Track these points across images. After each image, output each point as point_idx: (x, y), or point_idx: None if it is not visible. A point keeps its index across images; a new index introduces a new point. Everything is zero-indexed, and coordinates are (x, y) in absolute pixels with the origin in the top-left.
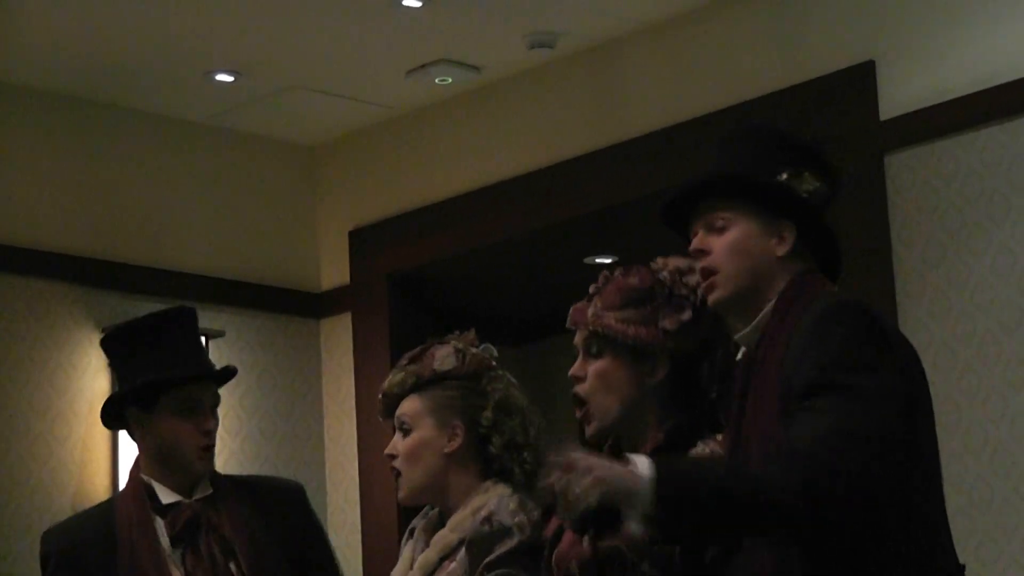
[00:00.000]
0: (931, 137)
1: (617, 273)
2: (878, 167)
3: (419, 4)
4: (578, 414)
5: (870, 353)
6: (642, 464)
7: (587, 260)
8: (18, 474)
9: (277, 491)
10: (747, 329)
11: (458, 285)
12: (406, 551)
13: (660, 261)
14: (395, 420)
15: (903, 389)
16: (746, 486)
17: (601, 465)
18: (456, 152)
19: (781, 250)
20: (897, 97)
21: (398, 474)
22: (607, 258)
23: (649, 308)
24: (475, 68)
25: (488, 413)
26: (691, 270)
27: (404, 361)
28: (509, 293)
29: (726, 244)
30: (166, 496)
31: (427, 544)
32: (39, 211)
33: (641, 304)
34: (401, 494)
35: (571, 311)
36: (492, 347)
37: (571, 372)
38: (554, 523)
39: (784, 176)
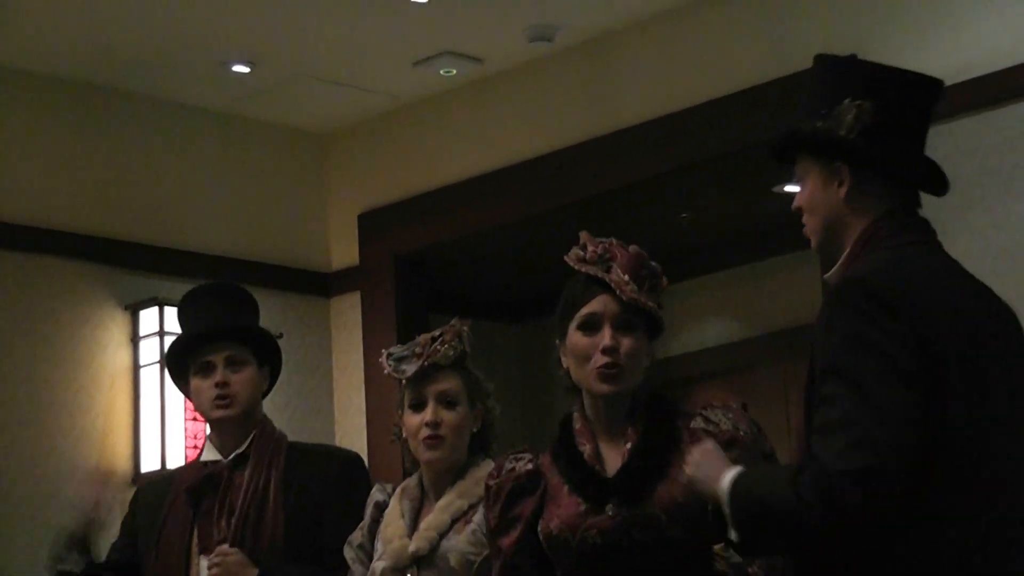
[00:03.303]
0: None
1: (631, 248)
2: None
3: None
4: (606, 386)
5: (870, 332)
6: (725, 481)
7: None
8: (44, 443)
9: (318, 461)
10: (829, 273)
11: (462, 266)
12: (395, 520)
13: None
14: (434, 392)
15: (912, 359)
16: (791, 518)
17: (700, 464)
18: (460, 140)
19: (844, 192)
20: None
21: (439, 442)
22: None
23: (651, 290)
24: (477, 60)
25: (494, 402)
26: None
27: (449, 336)
28: (510, 273)
29: (803, 201)
30: (208, 454)
31: (417, 510)
32: (64, 195)
33: (644, 284)
34: (439, 463)
35: (614, 281)
36: None
37: (608, 344)
38: (530, 503)
39: (821, 117)
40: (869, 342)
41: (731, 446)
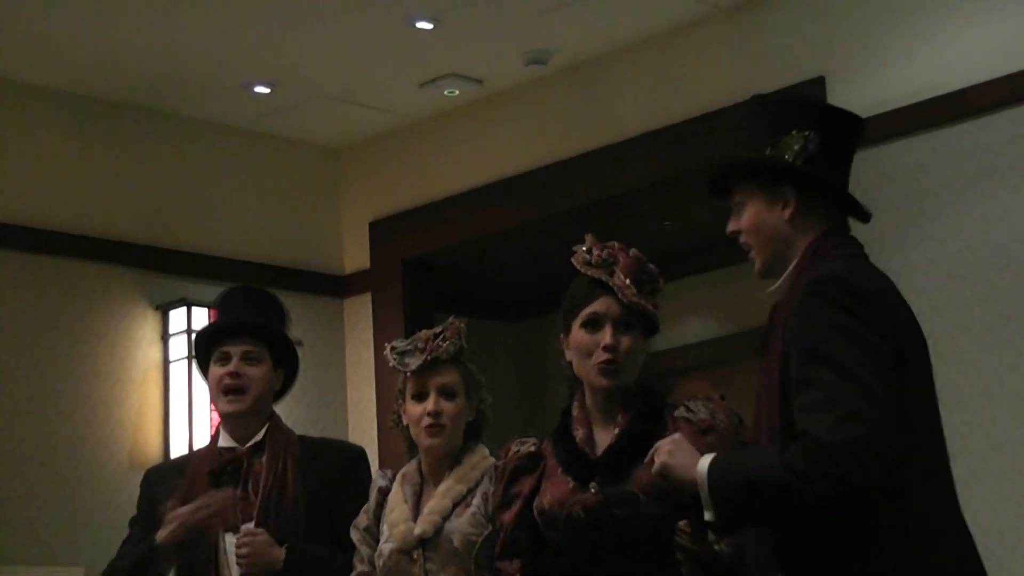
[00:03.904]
0: (873, 143)
1: (632, 252)
2: None
3: (431, 26)
4: (606, 380)
5: (851, 321)
6: (702, 464)
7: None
8: (82, 432)
9: (331, 453)
10: (772, 288)
11: (464, 270)
12: (398, 504)
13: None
14: (435, 384)
15: (888, 348)
16: (779, 478)
17: (673, 452)
18: (462, 154)
19: (788, 213)
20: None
21: (440, 430)
22: None
23: (647, 293)
24: (479, 81)
25: (486, 393)
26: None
27: (450, 333)
28: (509, 277)
29: (746, 224)
30: (224, 441)
31: (418, 495)
32: (101, 204)
33: (656, 292)
34: (438, 449)
35: (617, 285)
36: None
37: (609, 342)
38: (529, 482)
39: (769, 147)
40: (849, 330)
41: (708, 432)
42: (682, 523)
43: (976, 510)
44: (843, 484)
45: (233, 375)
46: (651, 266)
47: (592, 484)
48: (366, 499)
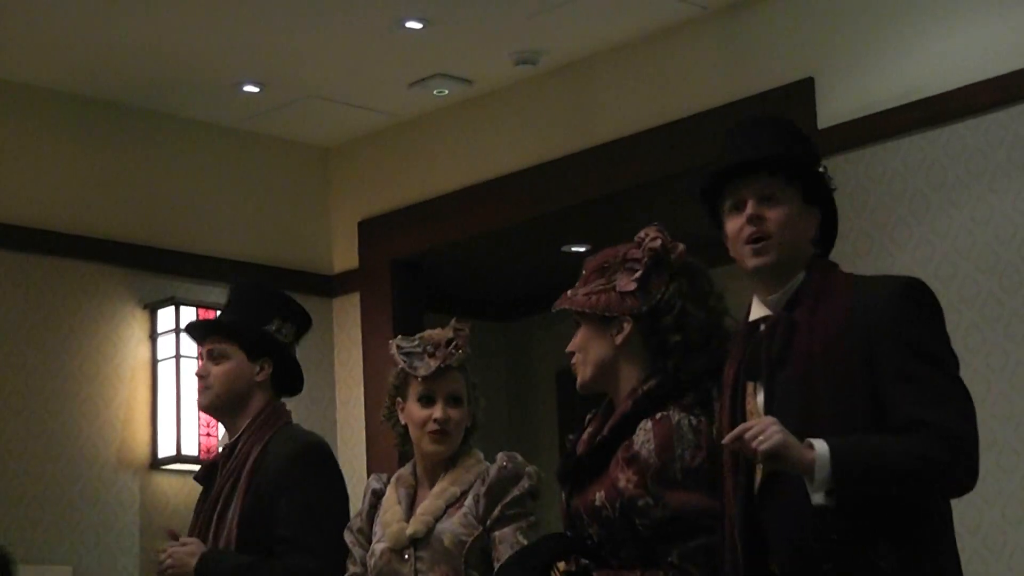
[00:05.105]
0: (862, 144)
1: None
2: None
3: (420, 26)
4: (576, 382)
5: (942, 328)
6: (820, 446)
7: (564, 248)
8: (70, 430)
9: (279, 451)
10: (778, 294)
11: (453, 269)
12: (392, 506)
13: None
14: (446, 390)
15: None
16: (914, 466)
17: (783, 430)
18: (451, 154)
19: (810, 231)
20: (833, 109)
21: (446, 437)
22: (581, 247)
23: (606, 277)
24: (468, 81)
25: (480, 399)
26: (637, 247)
27: (462, 341)
28: (497, 276)
29: (783, 215)
30: (222, 440)
31: (412, 496)
32: (90, 203)
33: (600, 275)
34: (440, 455)
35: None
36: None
37: (567, 349)
38: None
39: (822, 169)
40: (942, 334)
41: (629, 464)
42: (562, 564)
43: (962, 511)
44: (975, 476)
45: (198, 376)
46: (622, 253)
47: (563, 495)
48: (310, 496)
